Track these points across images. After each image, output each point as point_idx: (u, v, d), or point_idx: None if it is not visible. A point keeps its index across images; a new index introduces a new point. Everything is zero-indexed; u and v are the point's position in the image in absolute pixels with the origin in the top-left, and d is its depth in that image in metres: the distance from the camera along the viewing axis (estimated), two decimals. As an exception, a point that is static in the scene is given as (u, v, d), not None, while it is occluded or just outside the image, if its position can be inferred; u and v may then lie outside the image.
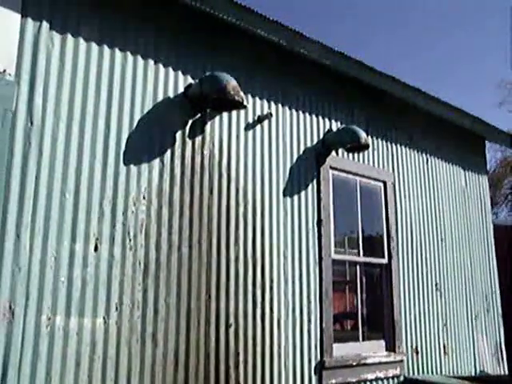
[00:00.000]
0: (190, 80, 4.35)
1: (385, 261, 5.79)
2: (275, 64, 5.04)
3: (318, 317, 4.91)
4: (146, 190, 3.93)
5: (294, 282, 4.77)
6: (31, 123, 3.44)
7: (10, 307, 3.19)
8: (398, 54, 43.87)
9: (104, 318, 3.58)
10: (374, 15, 42.86)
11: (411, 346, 5.80)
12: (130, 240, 3.78)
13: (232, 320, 4.26)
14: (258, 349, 4.40)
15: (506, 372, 6.98)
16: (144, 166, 3.95)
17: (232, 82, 4.11)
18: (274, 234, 4.70)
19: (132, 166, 3.89)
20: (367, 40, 43.21)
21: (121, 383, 3.59)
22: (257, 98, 4.83)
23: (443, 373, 6.08)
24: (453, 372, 6.20)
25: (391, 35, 43.96)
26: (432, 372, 5.97)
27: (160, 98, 4.16)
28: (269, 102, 4.94)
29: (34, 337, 3.26)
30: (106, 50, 3.90)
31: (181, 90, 4.29)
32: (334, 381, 4.91)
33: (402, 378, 5.60)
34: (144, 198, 3.90)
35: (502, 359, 7.02)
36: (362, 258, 5.65)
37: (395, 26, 43.61)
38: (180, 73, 4.32)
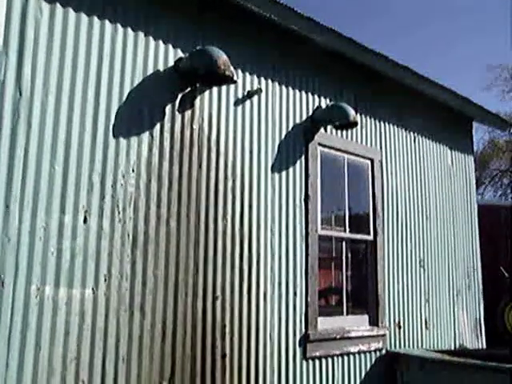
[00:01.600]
0: (180, 54, 4.34)
1: (370, 237, 5.87)
2: (266, 40, 5.02)
3: (304, 291, 4.99)
4: (135, 163, 3.94)
5: (280, 257, 4.84)
6: (20, 94, 3.42)
7: (0, 277, 3.22)
8: (390, 33, 43.66)
9: (93, 288, 3.62)
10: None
11: (394, 321, 5.92)
12: (118, 212, 3.81)
13: (219, 293, 4.32)
14: (245, 321, 4.47)
15: (484, 346, 7.17)
16: (133, 139, 3.95)
17: (222, 57, 4.11)
18: (261, 209, 4.75)
19: (121, 138, 3.89)
20: (361, 19, 42.93)
21: (109, 353, 3.64)
22: (247, 74, 4.83)
23: (424, 347, 6.24)
24: (433, 346, 6.35)
25: (384, 15, 43.63)
26: (413, 346, 6.11)
27: (150, 71, 4.14)
28: (259, 77, 4.93)
29: (23, 306, 3.28)
30: (96, 20, 3.86)
31: (171, 63, 4.28)
32: (318, 353, 5.02)
33: (384, 352, 5.73)
34: (133, 171, 3.92)
35: (481, 334, 7.20)
36: (348, 235, 5.73)
37: (388, 6, 43.28)
38: (170, 46, 4.30)
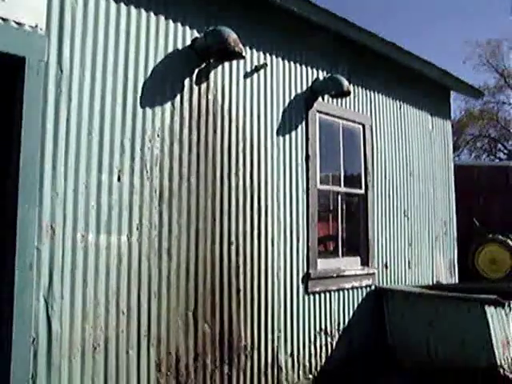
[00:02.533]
0: (195, 34, 4.29)
1: (362, 191, 5.90)
2: (271, 20, 4.93)
3: (305, 237, 5.06)
4: (160, 129, 3.95)
5: (285, 208, 4.89)
6: (61, 72, 3.42)
7: (51, 226, 3.30)
8: (376, 13, 42.45)
9: (127, 235, 3.69)
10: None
11: (382, 262, 6.00)
12: (146, 172, 3.84)
13: (233, 239, 4.39)
14: (255, 262, 4.55)
15: (456, 281, 7.27)
16: (157, 109, 3.95)
17: (232, 35, 4.06)
18: (268, 167, 4.76)
19: (147, 108, 3.89)
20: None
21: (143, 289, 3.74)
22: (254, 50, 4.77)
23: (407, 283, 6.33)
24: (415, 282, 6.45)
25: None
26: (398, 282, 6.21)
27: (170, 49, 4.11)
28: (264, 53, 4.88)
29: (71, 250, 3.37)
30: (123, 7, 3.81)
31: (188, 42, 4.23)
32: (317, 289, 5.12)
33: (373, 287, 5.83)
34: (158, 136, 3.94)
35: (454, 272, 7.29)
36: (343, 189, 5.76)
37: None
38: (187, 27, 4.24)
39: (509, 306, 5.38)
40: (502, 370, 4.91)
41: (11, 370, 3.04)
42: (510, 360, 5.09)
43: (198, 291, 4.08)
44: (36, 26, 3.33)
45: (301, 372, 4.88)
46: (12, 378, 3.04)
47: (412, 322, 5.51)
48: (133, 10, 3.88)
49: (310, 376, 4.97)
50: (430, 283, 6.66)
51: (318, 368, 5.06)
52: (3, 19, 3.18)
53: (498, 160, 30.02)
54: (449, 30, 42.22)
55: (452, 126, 7.96)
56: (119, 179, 3.68)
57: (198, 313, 4.06)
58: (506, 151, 31.75)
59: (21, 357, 3.09)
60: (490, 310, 5.12)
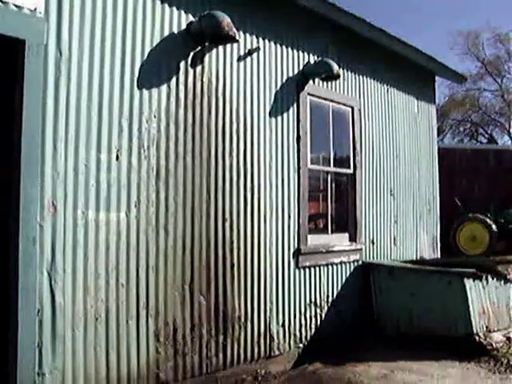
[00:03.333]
0: (191, 18, 4.21)
1: (350, 171, 5.90)
2: (264, 6, 4.85)
3: (296, 214, 5.06)
4: (157, 110, 3.91)
5: (277, 186, 4.87)
6: (60, 54, 3.36)
7: (53, 203, 3.27)
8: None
9: (126, 212, 3.67)
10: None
11: (369, 238, 6.04)
12: (144, 151, 3.81)
13: (227, 216, 4.39)
14: (248, 238, 4.56)
15: (439, 257, 7.35)
16: (154, 90, 3.91)
17: (226, 19, 4.01)
18: (261, 147, 4.74)
19: (144, 90, 3.84)
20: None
21: (141, 263, 3.74)
22: (247, 35, 4.69)
23: (392, 258, 6.39)
24: (400, 258, 6.50)
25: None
26: (384, 258, 6.26)
27: (166, 33, 4.04)
28: (257, 38, 4.80)
29: (72, 226, 3.35)
30: (120, -10, 3.75)
31: (183, 26, 4.16)
32: (307, 263, 5.15)
33: (360, 262, 5.88)
34: (155, 116, 3.90)
35: (437, 249, 7.36)
36: (332, 169, 5.76)
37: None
38: (182, 11, 4.16)
39: (486, 279, 5.48)
40: (477, 338, 5.02)
41: (18, 339, 3.06)
42: (484, 328, 5.20)
43: (194, 265, 4.09)
44: (35, 10, 3.25)
45: (292, 341, 4.94)
46: (19, 345, 3.06)
47: (396, 294, 5.58)
48: (129, -7, 3.81)
49: (301, 345, 5.04)
50: (414, 258, 6.71)
51: (308, 337, 5.12)
52: (3, 2, 3.11)
53: (479, 144, 30.16)
54: (433, 19, 41.88)
55: (436, 111, 7.95)
56: (117, 158, 3.65)
57: (194, 286, 4.08)
58: (486, 136, 31.87)
59: (27, 326, 3.11)
60: (468, 283, 5.21)
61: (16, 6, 3.17)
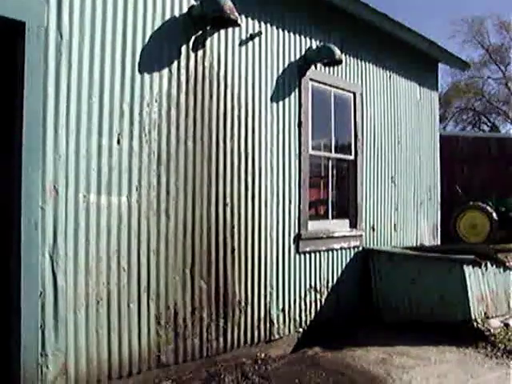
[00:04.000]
0: (192, 2, 4.17)
1: (352, 157, 5.88)
2: (265, -11, 4.82)
3: (297, 199, 5.05)
4: (158, 94, 3.89)
5: (278, 172, 4.86)
6: (61, 37, 3.33)
7: (55, 187, 3.28)
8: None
9: (127, 196, 3.68)
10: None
11: (369, 225, 6.05)
12: (145, 135, 3.80)
13: (228, 200, 4.39)
14: (249, 223, 4.57)
15: (439, 243, 7.37)
16: (155, 75, 3.88)
17: (228, 3, 3.97)
18: (262, 132, 4.72)
19: (145, 74, 3.82)
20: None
21: (142, 247, 3.76)
22: (249, 19, 4.65)
23: (392, 245, 6.40)
24: (400, 244, 6.52)
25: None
26: (384, 244, 6.27)
27: (168, 16, 4.00)
28: (259, 22, 4.75)
29: (74, 210, 3.37)
30: (120, -27, 3.71)
31: (185, 10, 4.12)
32: (308, 249, 5.17)
33: (360, 248, 5.89)
34: (156, 101, 3.88)
35: (437, 236, 7.37)
36: (333, 155, 5.74)
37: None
38: (184, -5, 4.14)
39: (485, 266, 5.50)
40: (475, 323, 5.06)
41: (22, 321, 3.10)
42: (483, 314, 5.23)
43: (195, 249, 4.11)
44: (35, -9, 3.23)
45: (291, 326, 4.98)
46: (22, 327, 3.10)
47: (396, 281, 5.61)
48: (130, -24, 3.76)
49: (300, 329, 5.08)
50: (415, 245, 6.72)
51: (308, 322, 5.16)
52: (2, -17, 3.08)
53: (481, 132, 30.02)
54: (435, 9, 41.39)
55: (439, 99, 7.90)
56: (119, 142, 3.65)
57: (194, 270, 4.10)
58: (489, 124, 31.73)
59: (30, 309, 3.14)
60: (468, 269, 5.23)
61: (16, -13, 3.14)
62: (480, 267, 5.42)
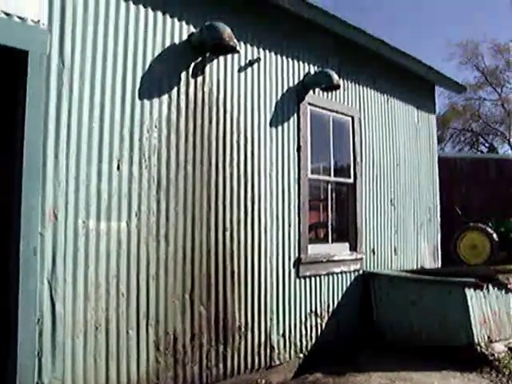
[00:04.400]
0: (192, 29, 4.24)
1: (351, 180, 5.89)
2: (264, 17, 4.89)
3: (297, 223, 5.05)
4: (157, 120, 3.92)
5: (277, 196, 4.87)
6: (63, 65, 3.38)
7: (54, 213, 3.28)
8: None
9: (127, 222, 3.67)
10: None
11: (369, 248, 6.02)
12: (145, 160, 3.81)
13: (228, 225, 4.38)
14: (249, 248, 4.55)
15: (439, 266, 7.32)
16: (155, 101, 3.92)
17: (227, 30, 4.04)
18: (261, 157, 4.74)
19: (145, 100, 3.86)
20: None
21: (141, 272, 3.73)
22: (248, 45, 4.72)
23: (393, 268, 6.36)
24: (400, 267, 6.47)
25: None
26: (384, 267, 6.24)
27: (168, 44, 4.07)
28: (258, 48, 4.83)
29: (73, 236, 3.36)
30: (122, 3, 3.77)
31: (185, 37, 4.19)
32: (308, 273, 5.13)
33: (361, 272, 5.86)
34: (156, 126, 3.91)
35: (438, 258, 7.33)
36: (332, 178, 5.75)
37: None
38: (184, 23, 4.20)
39: (487, 288, 5.45)
40: (479, 348, 4.98)
41: (18, 347, 3.05)
42: (486, 338, 5.16)
43: (195, 275, 4.08)
44: (38, 21, 3.29)
45: (292, 351, 4.91)
46: (19, 354, 3.05)
47: (397, 304, 5.55)
48: (131, 5, 3.84)
49: (301, 355, 5.00)
50: (415, 268, 6.69)
51: (309, 347, 5.09)
52: (7, 14, 3.15)
53: (479, 153, 30.17)
54: (432, 32, 42.12)
55: (437, 120, 7.97)
56: (119, 168, 3.66)
57: (194, 295, 4.06)
58: (487, 145, 31.91)
59: (27, 335, 3.10)
60: (469, 292, 5.18)
61: (20, 17, 3.21)
62: (482, 290, 5.37)
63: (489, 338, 5.21)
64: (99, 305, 3.47)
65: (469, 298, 5.14)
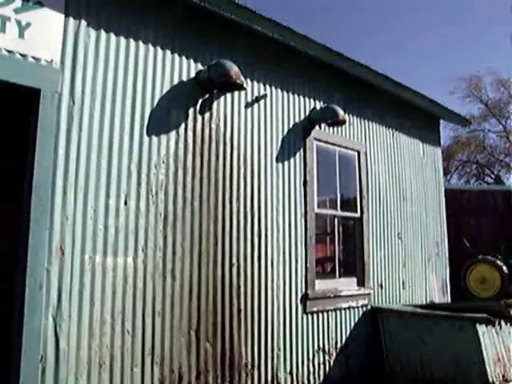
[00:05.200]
0: (200, 67, 4.33)
1: (357, 215, 5.86)
2: (272, 55, 4.99)
3: (304, 258, 5.00)
4: (165, 156, 3.96)
5: (284, 231, 4.85)
6: (73, 103, 3.46)
7: (61, 248, 3.28)
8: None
9: (133, 257, 3.66)
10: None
11: (377, 282, 5.93)
12: (152, 196, 3.84)
13: (235, 260, 4.35)
14: (256, 283, 4.50)
15: (449, 301, 7.17)
16: (163, 137, 3.97)
17: (234, 68, 4.11)
18: (268, 192, 4.74)
19: (153, 136, 3.91)
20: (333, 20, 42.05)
21: (148, 308, 3.70)
22: (255, 82, 4.80)
23: (401, 302, 6.24)
24: (409, 302, 6.35)
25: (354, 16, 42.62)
26: (393, 302, 6.12)
27: (176, 81, 4.15)
28: (264, 85, 4.91)
29: (79, 271, 3.35)
30: (132, 42, 3.88)
31: (192, 75, 4.28)
32: (315, 308, 5.05)
33: (369, 307, 5.75)
34: (163, 162, 3.94)
35: (447, 292, 7.19)
36: (339, 212, 5.72)
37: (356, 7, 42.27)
38: (192, 61, 4.29)
39: (499, 324, 5.31)
40: (493, 387, 4.81)
41: (20, 387, 2.99)
42: (500, 377, 4.99)
43: (201, 311, 4.03)
44: (51, 61, 3.38)
45: (300, 389, 4.78)
46: (21, 394, 2.99)
47: (406, 341, 5.41)
48: (141, 44, 3.94)
49: (309, 393, 4.86)
50: (424, 302, 6.56)
51: (317, 385, 4.95)
52: (22, 55, 3.26)
53: (485, 184, 30.08)
54: (432, 67, 42.75)
55: (442, 153, 7.97)
56: (126, 203, 3.67)
57: (200, 332, 4.00)
58: (493, 176, 31.83)
59: (29, 373, 3.05)
60: (481, 329, 5.04)
61: (34, 58, 3.31)
62: (494, 326, 5.23)
63: (503, 376, 5.04)
64: (104, 342, 3.41)
65: (481, 334, 5.00)
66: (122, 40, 3.81)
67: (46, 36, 3.36)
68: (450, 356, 5.07)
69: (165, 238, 3.86)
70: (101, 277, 3.45)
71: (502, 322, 5.40)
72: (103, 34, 3.69)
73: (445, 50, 42.38)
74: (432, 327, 5.28)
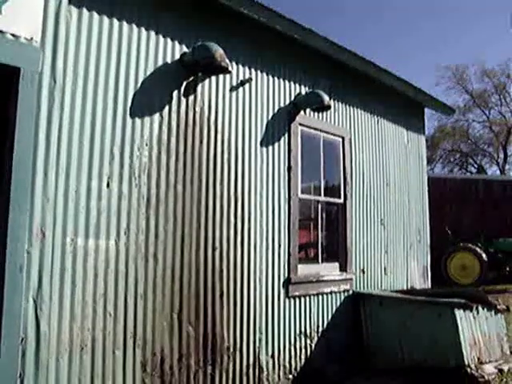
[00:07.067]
0: (184, 49, 4.29)
1: (341, 201, 5.92)
2: (256, 38, 4.97)
3: (287, 243, 5.04)
4: (148, 138, 3.94)
5: (267, 215, 4.87)
6: (54, 82, 3.40)
7: (42, 230, 3.25)
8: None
9: (115, 240, 3.65)
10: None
11: (359, 268, 6.02)
12: (135, 179, 3.82)
13: (217, 244, 4.37)
14: (238, 267, 4.53)
15: (429, 286, 7.33)
16: (146, 119, 3.94)
17: (219, 51, 4.08)
18: (252, 176, 4.75)
19: (136, 118, 3.88)
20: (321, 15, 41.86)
21: (129, 291, 3.70)
22: (240, 66, 4.78)
23: (383, 288, 6.36)
24: (390, 287, 6.47)
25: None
26: (374, 287, 6.23)
27: (160, 63, 4.10)
28: (250, 69, 4.89)
29: (60, 253, 3.33)
30: (115, 22, 3.81)
31: (177, 57, 4.23)
32: (297, 293, 5.11)
33: (351, 292, 5.84)
34: (146, 145, 3.92)
35: (427, 278, 7.34)
36: (323, 198, 5.77)
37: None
38: (176, 42, 4.24)
39: (477, 309, 5.46)
40: (469, 369, 4.96)
41: (-1, 368, 2.99)
42: (476, 359, 5.14)
43: (183, 294, 4.05)
44: (31, 39, 3.31)
45: (281, 372, 4.85)
46: (0, 375, 2.99)
47: (387, 325, 5.53)
48: (125, 24, 3.88)
49: (290, 376, 4.95)
50: (405, 288, 6.68)
51: (298, 369, 5.04)
52: (0, 32, 3.17)
53: (469, 174, 30.54)
54: (423, 57, 42.92)
55: (426, 141, 8.07)
56: (108, 186, 3.65)
57: (182, 315, 4.02)
58: (476, 165, 32.31)
59: (9, 356, 3.03)
60: (459, 313, 5.18)
61: (13, 35, 3.23)
62: (471, 311, 5.38)
63: (479, 359, 5.20)
64: (85, 324, 3.42)
65: (458, 319, 5.13)
66: (105, 19, 3.74)
67: (26, 12, 3.28)
68: (428, 340, 5.20)
69: (147, 220, 3.85)
70: (82, 259, 3.44)
71: (480, 308, 5.55)
72: (85, 11, 3.62)
73: (433, 42, 42.58)
74: (412, 312, 5.40)
